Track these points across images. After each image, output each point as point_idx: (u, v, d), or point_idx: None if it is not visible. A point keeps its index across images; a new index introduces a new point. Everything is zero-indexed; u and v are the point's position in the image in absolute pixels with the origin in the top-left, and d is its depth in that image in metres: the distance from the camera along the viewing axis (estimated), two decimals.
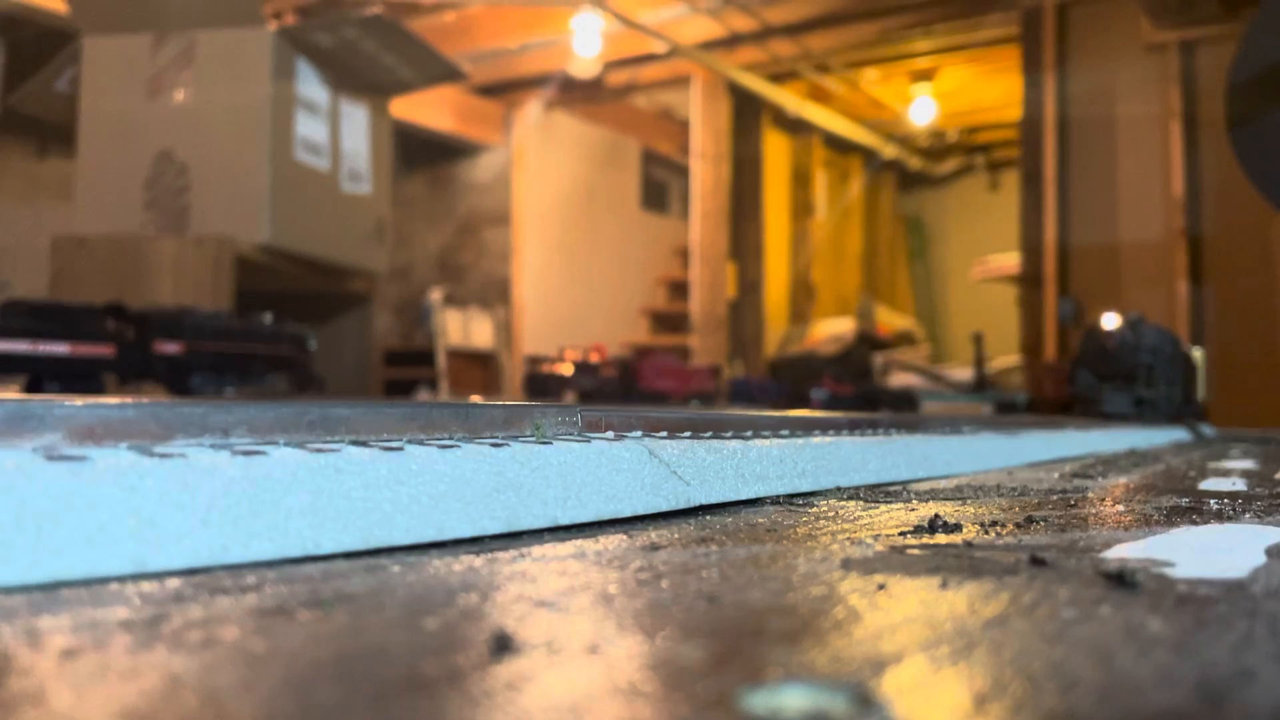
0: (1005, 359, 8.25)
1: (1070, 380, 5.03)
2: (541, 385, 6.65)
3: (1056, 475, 2.03)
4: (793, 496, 1.48)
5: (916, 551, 0.94)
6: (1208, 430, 5.23)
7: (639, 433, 1.42)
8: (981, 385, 7.29)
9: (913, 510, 1.30)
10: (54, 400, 0.88)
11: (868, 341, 9.36)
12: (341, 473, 0.93)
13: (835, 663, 0.53)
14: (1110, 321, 5.02)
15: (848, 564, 0.86)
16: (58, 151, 6.48)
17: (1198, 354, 6.75)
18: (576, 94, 8.94)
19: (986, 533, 1.08)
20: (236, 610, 0.64)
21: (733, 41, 8.04)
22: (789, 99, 9.01)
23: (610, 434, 1.38)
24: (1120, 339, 4.99)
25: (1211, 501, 1.44)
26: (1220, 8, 6.59)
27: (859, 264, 11.12)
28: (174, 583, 0.73)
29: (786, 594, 0.72)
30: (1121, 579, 0.78)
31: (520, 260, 8.96)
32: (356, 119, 5.99)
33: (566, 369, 6.67)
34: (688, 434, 1.51)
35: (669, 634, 0.60)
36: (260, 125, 5.26)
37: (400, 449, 1.02)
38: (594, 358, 6.75)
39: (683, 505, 1.27)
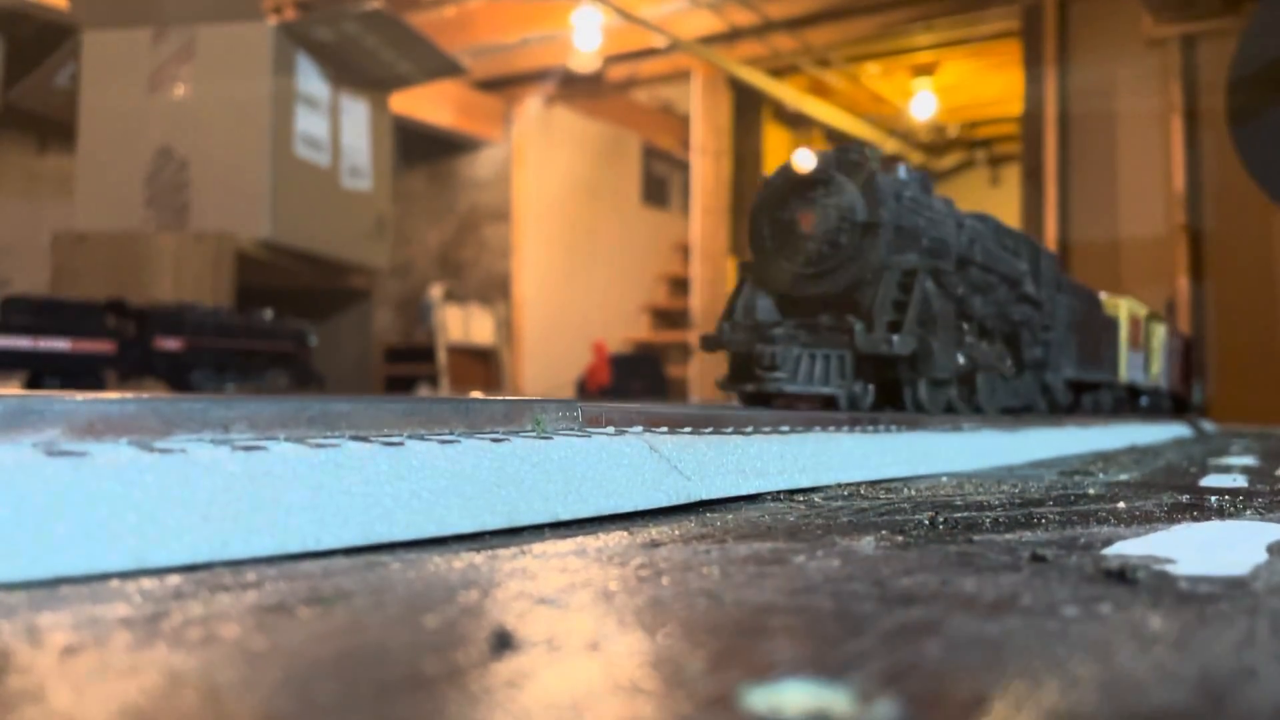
0: None
1: (725, 317, 2.47)
2: None
3: (1057, 472, 2.03)
4: (793, 492, 1.48)
5: (917, 548, 0.94)
6: (1208, 426, 5.22)
7: (639, 428, 1.42)
8: None
9: (913, 507, 1.30)
10: (54, 396, 0.87)
11: None
12: (342, 468, 0.93)
13: (836, 661, 0.53)
14: (805, 160, 2.40)
15: (848, 560, 0.86)
16: (58, 147, 6.47)
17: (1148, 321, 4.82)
18: (577, 89, 8.93)
19: (987, 529, 1.08)
20: (237, 607, 0.64)
21: (733, 36, 8.03)
22: (790, 94, 9.00)
23: (611, 429, 1.38)
24: (830, 212, 2.39)
25: (1212, 498, 1.44)
26: (1221, 2, 6.58)
27: None
28: (174, 579, 0.73)
29: (787, 591, 0.72)
30: (1122, 576, 0.78)
31: (521, 256, 8.95)
32: (357, 114, 5.98)
33: None
34: (688, 429, 1.51)
35: (670, 631, 0.59)
36: (260, 120, 5.25)
37: (401, 444, 1.02)
38: None
39: (683, 500, 1.27)
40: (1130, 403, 5.08)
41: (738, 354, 2.39)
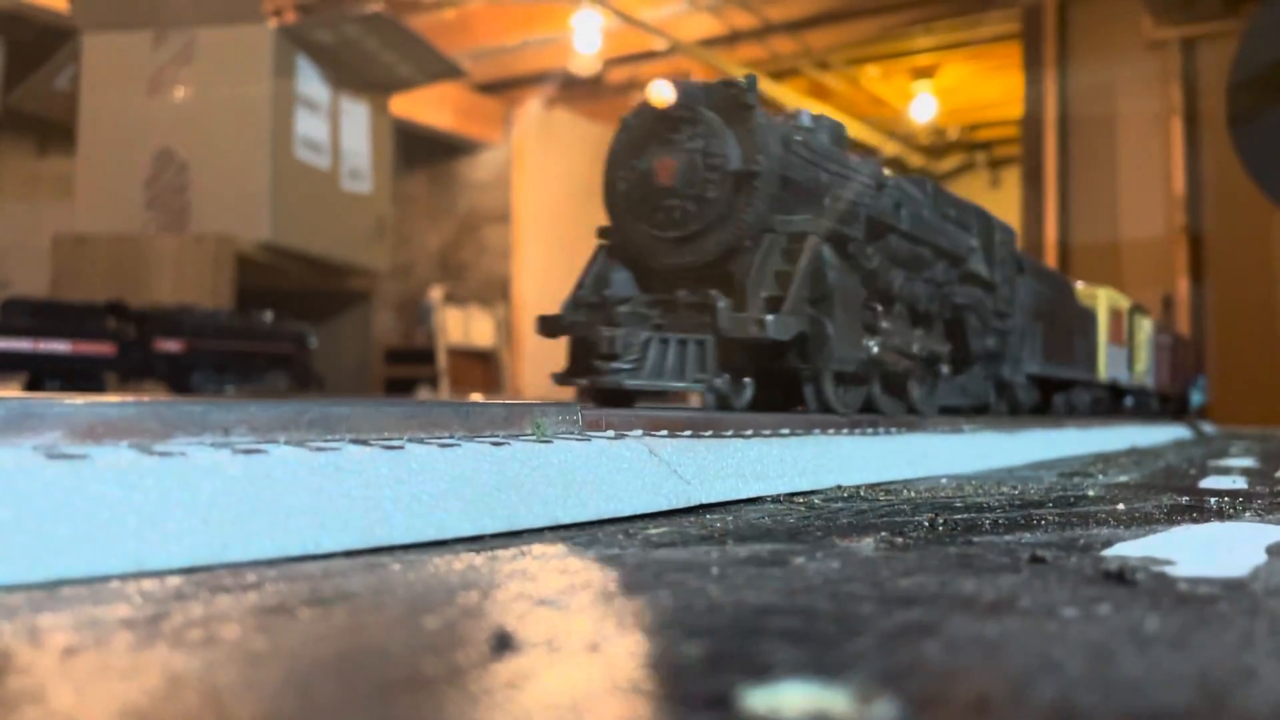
0: None
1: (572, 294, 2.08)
2: None
3: (1057, 474, 2.03)
4: (793, 494, 1.48)
5: (917, 550, 0.94)
6: (1208, 428, 5.22)
7: (639, 431, 1.42)
8: None
9: (913, 509, 1.30)
10: (54, 399, 0.88)
11: None
12: (342, 471, 0.93)
13: (836, 662, 0.53)
14: (664, 92, 1.93)
15: (848, 562, 0.86)
16: (58, 149, 6.47)
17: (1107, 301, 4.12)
18: (577, 91, 8.93)
19: (987, 531, 1.08)
20: (237, 608, 0.64)
21: (733, 38, 8.04)
22: (790, 97, 9.01)
23: (611, 433, 1.38)
24: (695, 159, 1.92)
25: (1212, 499, 1.44)
26: (1221, 5, 6.59)
27: None
28: (175, 581, 0.73)
29: (786, 592, 0.72)
30: (1122, 577, 0.78)
31: (521, 258, 8.96)
32: (357, 116, 5.98)
33: None
34: (688, 433, 1.51)
35: (669, 632, 0.60)
36: (260, 123, 5.25)
37: (401, 447, 1.02)
38: None
39: (683, 504, 1.27)
40: (1112, 403, 4.61)
41: (579, 340, 1.93)
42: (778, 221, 1.95)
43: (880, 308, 2.22)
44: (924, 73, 9.11)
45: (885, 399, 2.29)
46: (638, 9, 7.45)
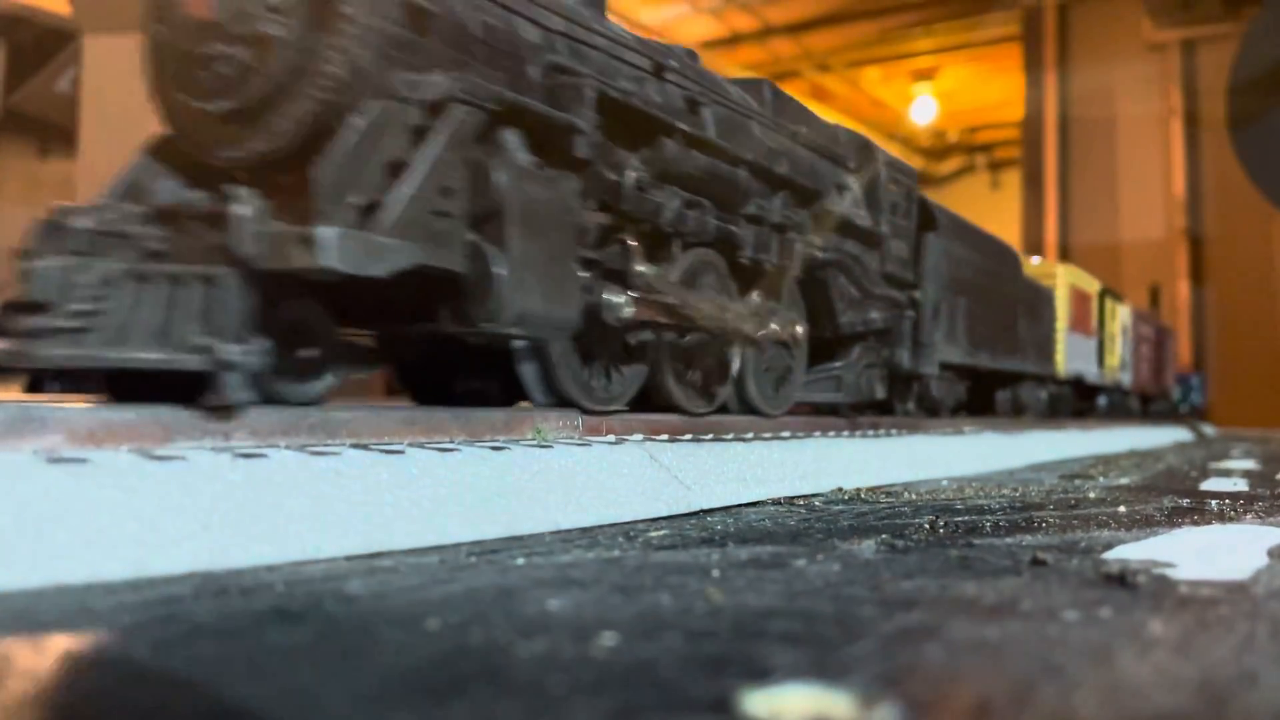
0: None
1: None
2: None
3: (1057, 475, 2.03)
4: (794, 497, 1.48)
5: (917, 552, 0.94)
6: (1208, 429, 5.22)
7: (639, 436, 1.42)
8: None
9: (914, 511, 1.30)
10: (55, 403, 0.88)
11: None
12: (342, 476, 0.93)
13: (837, 665, 0.53)
14: None
15: (849, 564, 0.86)
16: (59, 151, 6.48)
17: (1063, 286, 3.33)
18: None
19: (987, 533, 1.08)
20: (237, 611, 0.64)
21: (734, 41, 8.05)
22: None
23: (611, 437, 1.38)
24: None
25: (1213, 502, 1.44)
26: (1221, 7, 6.59)
27: None
28: (175, 584, 0.73)
29: (787, 595, 0.72)
30: (1123, 580, 0.78)
31: None
32: None
33: None
34: (688, 436, 1.51)
35: (670, 635, 0.59)
36: None
37: (401, 453, 1.02)
38: None
39: (683, 510, 1.27)
40: (1079, 403, 3.89)
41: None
42: (402, 82, 1.16)
43: (635, 244, 1.42)
44: (924, 75, 9.11)
45: (684, 390, 1.62)
46: (639, 11, 7.46)
